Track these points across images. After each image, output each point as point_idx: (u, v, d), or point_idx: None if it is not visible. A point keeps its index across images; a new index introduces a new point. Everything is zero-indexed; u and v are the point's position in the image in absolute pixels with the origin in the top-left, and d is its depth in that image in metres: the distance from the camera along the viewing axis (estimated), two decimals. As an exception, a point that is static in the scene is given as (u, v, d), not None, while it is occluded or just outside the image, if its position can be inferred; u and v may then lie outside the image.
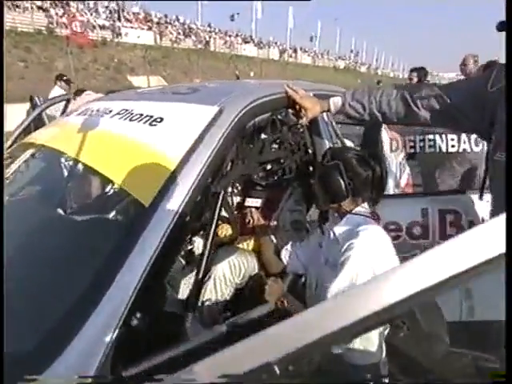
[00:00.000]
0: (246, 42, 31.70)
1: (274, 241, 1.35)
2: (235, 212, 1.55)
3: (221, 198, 0.96)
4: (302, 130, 1.31)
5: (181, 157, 0.80)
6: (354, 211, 1.04)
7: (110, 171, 0.83)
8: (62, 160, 1.07)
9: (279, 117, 1.22)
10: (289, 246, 1.28)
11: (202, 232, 1.34)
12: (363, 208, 1.05)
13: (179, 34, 25.73)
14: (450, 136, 1.44)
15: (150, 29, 23.51)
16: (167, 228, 0.71)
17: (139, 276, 0.69)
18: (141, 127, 0.92)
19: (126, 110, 1.03)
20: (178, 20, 28.10)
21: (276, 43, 35.54)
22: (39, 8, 18.72)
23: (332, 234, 1.06)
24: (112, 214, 0.79)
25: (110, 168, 0.84)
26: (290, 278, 1.20)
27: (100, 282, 0.69)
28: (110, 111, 1.08)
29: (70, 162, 1.02)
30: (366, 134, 1.47)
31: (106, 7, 22.64)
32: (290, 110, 1.25)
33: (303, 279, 1.22)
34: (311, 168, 1.42)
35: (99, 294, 0.66)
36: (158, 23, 25.02)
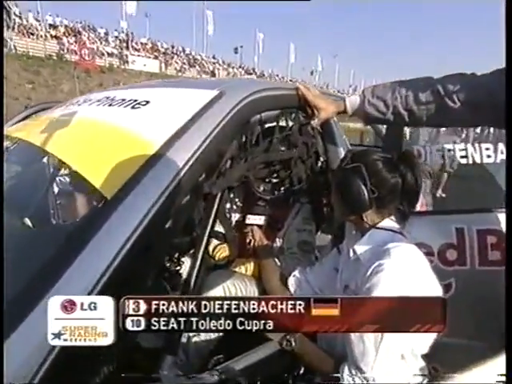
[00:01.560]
0: (249, 74, 32.86)
1: (279, 265, 1.14)
2: (233, 230, 1.34)
3: (217, 202, 0.77)
4: (312, 133, 1.14)
5: (163, 142, 0.61)
6: (378, 225, 0.84)
7: (72, 158, 0.64)
8: (24, 149, 0.89)
9: (288, 116, 1.06)
10: (297, 272, 1.06)
11: (192, 249, 1.12)
12: (390, 222, 0.85)
13: (184, 63, 26.73)
14: (484, 145, 1.28)
15: (156, 58, 24.44)
16: (135, 228, 0.51)
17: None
18: (119, 110, 0.74)
19: (108, 98, 0.86)
20: (183, 51, 29.31)
21: (277, 76, 36.89)
22: (52, 36, 19.55)
23: (352, 254, 0.85)
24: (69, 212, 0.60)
25: (71, 155, 0.65)
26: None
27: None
28: (90, 100, 0.91)
29: (33, 151, 0.84)
30: (386, 136, 1.29)
31: (116, 37, 23.69)
32: (299, 111, 1.09)
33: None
34: (323, 179, 1.24)
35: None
36: (164, 53, 26.07)
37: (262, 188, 1.20)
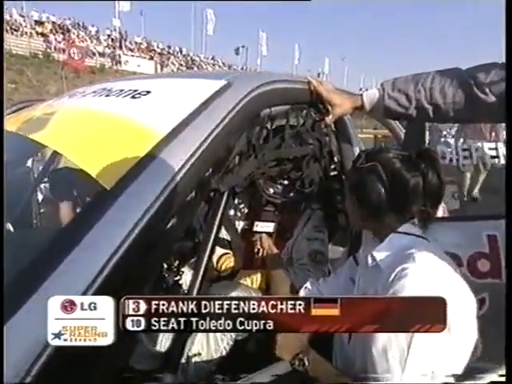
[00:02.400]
0: (250, 76, 33.21)
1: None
2: (240, 239, 1.32)
3: (222, 205, 0.76)
4: (326, 131, 1.13)
5: (164, 134, 0.61)
6: (399, 230, 0.82)
7: (66, 148, 0.64)
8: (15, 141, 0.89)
9: (299, 113, 1.06)
10: (309, 284, 1.04)
11: (194, 257, 1.11)
12: (412, 226, 0.83)
13: (181, 65, 27.08)
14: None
15: (151, 58, 24.79)
16: (131, 230, 0.51)
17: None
18: (117, 100, 0.74)
19: (104, 89, 0.87)
20: (181, 51, 29.75)
21: (281, 77, 37.30)
22: (38, 33, 19.88)
23: (370, 261, 0.83)
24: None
25: (64, 145, 0.65)
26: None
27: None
28: (84, 92, 0.92)
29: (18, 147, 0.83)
30: (406, 136, 1.28)
31: (108, 36, 24.11)
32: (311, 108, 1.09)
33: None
34: (337, 182, 1.23)
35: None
36: (160, 53, 26.46)
37: (271, 191, 1.18)
